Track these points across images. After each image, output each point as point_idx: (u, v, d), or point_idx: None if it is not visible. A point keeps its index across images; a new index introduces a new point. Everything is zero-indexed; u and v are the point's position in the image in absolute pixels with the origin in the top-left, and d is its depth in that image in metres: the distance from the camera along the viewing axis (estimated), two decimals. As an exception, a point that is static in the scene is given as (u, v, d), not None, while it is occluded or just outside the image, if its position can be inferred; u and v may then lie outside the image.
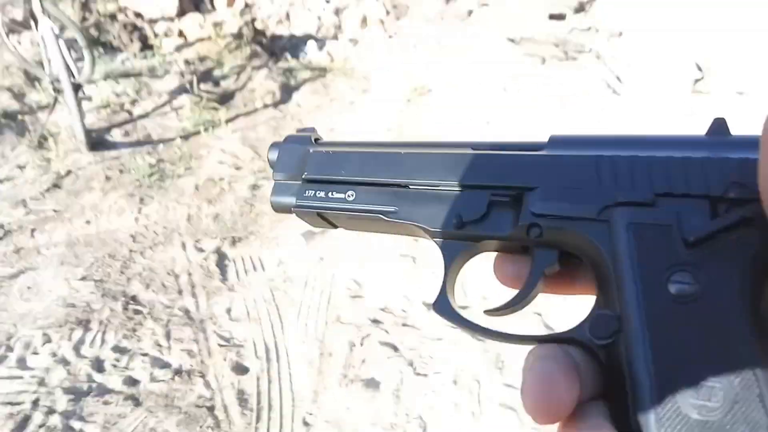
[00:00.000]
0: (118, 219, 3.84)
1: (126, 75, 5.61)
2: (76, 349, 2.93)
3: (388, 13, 6.32)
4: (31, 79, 5.30)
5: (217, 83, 5.54)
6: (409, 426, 2.42)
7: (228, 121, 4.87)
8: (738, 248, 0.41)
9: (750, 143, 0.44)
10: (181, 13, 6.38)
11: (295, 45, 6.29)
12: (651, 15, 4.63)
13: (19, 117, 4.93)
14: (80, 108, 4.42)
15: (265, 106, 5.10)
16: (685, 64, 4.21)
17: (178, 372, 2.79)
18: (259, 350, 2.85)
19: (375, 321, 2.86)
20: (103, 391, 2.73)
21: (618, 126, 3.82)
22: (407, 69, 5.12)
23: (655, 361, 0.40)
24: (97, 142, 4.63)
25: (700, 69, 4.20)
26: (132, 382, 2.77)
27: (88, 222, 3.83)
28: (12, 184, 4.25)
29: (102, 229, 3.77)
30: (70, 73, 4.33)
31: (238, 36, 6.12)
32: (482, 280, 2.65)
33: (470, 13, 5.93)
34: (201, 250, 3.53)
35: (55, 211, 3.98)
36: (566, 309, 2.58)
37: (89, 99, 5.13)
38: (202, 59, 5.89)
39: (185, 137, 4.72)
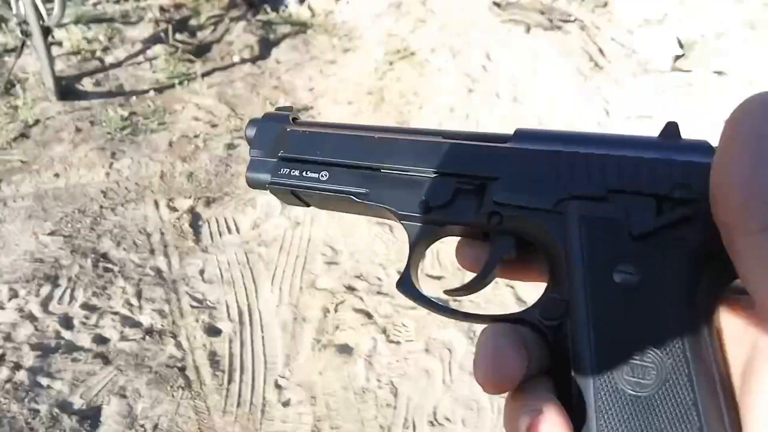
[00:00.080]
0: (88, 173, 3.74)
1: (98, 20, 5.38)
2: (44, 305, 2.89)
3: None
4: (-3, 20, 5.06)
5: (193, 34, 5.36)
6: (380, 392, 2.46)
7: (204, 75, 4.72)
8: (678, 244, 0.45)
9: (696, 147, 0.48)
10: (157, -43, 6.10)
11: (275, -3, 6.09)
12: (638, -12, 4.59)
13: (-16, 60, 4.72)
14: (49, 53, 4.23)
15: (243, 60, 4.96)
16: (667, 40, 4.21)
17: (149, 332, 2.78)
18: (232, 313, 2.84)
19: (350, 288, 2.87)
20: (72, 348, 2.71)
21: (598, 101, 3.82)
22: (391, 30, 5.02)
23: (596, 342, 0.44)
24: (66, 90, 4.46)
25: (681, 46, 4.21)
26: (101, 340, 2.75)
27: (56, 175, 3.73)
28: (-24, 131, 4.09)
29: (71, 183, 3.67)
30: (39, 15, 4.14)
31: (216, -16, 5.90)
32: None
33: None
34: (174, 209, 3.47)
35: (22, 161, 3.85)
36: (537, 284, 2.61)
37: (59, 44, 4.93)
38: (177, 6, 5.67)
39: (159, 90, 4.58)
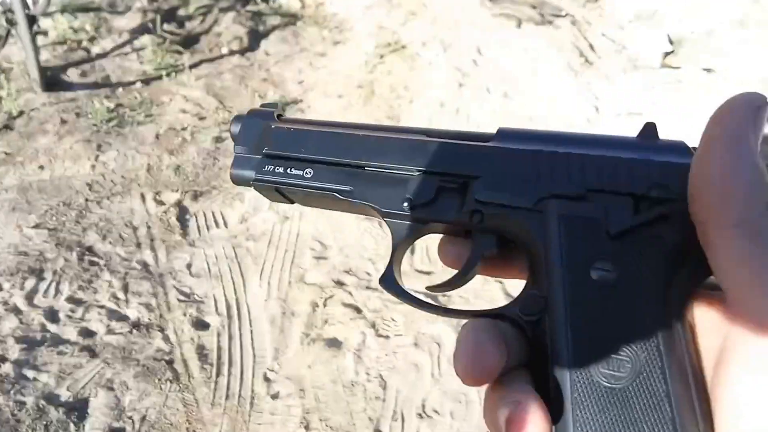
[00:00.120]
0: (73, 165, 3.70)
1: (84, 9, 5.30)
2: (29, 298, 2.86)
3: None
4: (-20, 9, 4.96)
5: (181, 24, 5.29)
6: (369, 385, 2.46)
7: (192, 66, 4.67)
8: (655, 242, 0.46)
9: (674, 148, 0.49)
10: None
11: (264, -11, 6.03)
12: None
13: (-33, 49, 4.63)
14: (35, 43, 4.16)
15: (232, 52, 4.91)
16: (658, 36, 4.23)
17: (135, 325, 2.76)
18: (220, 307, 2.83)
19: (339, 282, 2.86)
20: (58, 341, 2.68)
21: (588, 97, 3.83)
22: (382, 22, 4.99)
23: (573, 336, 0.46)
24: (52, 81, 4.40)
25: (671, 42, 4.22)
26: (88, 333, 2.72)
27: (41, 167, 3.68)
28: (-41, 122, 4.03)
29: (56, 175, 3.62)
30: (25, 4, 4.07)
31: (205, -25, 5.83)
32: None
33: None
34: (161, 202, 3.43)
35: (6, 153, 3.79)
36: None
37: (44, 33, 4.85)
38: (166, -4, 5.60)
39: (146, 82, 4.52)
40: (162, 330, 2.74)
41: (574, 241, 0.49)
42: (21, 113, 4.12)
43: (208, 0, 5.56)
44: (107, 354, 2.63)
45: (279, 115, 0.69)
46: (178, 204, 3.42)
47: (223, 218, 3.32)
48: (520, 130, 0.57)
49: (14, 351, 2.60)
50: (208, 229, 3.27)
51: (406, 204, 0.57)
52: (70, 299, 2.86)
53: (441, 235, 0.62)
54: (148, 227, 3.28)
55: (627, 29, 4.38)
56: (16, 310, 2.79)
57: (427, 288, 0.61)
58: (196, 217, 3.34)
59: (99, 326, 2.75)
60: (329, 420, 2.33)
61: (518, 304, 0.51)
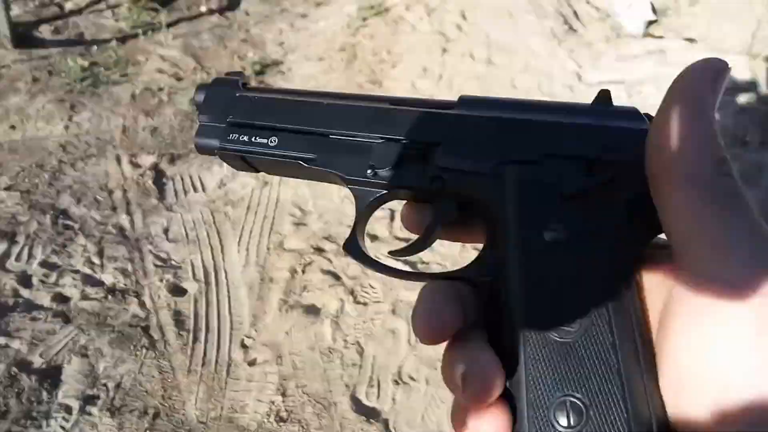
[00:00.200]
0: (46, 126, 3.60)
1: (55, -37, 5.09)
2: (1, 262, 2.80)
3: None
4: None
5: (158, -19, 5.11)
6: (347, 351, 2.47)
7: (169, 25, 4.53)
8: (605, 204, 0.49)
9: (626, 114, 0.51)
10: None
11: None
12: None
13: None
14: (3, -2, 4.01)
15: (210, 11, 4.77)
16: (641, 5, 4.18)
17: (111, 291, 2.73)
18: (198, 273, 2.80)
19: (318, 249, 2.84)
20: (31, 306, 2.65)
21: (570, 65, 3.80)
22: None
23: (527, 295, 0.48)
24: (23, 37, 4.24)
25: (654, 11, 4.18)
26: (62, 299, 2.69)
27: (12, 127, 3.57)
28: (-75, 79, 3.88)
29: (29, 136, 3.52)
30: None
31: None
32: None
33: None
34: (137, 165, 3.36)
35: (-25, 112, 3.68)
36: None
37: (14, -13, 4.66)
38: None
39: (122, 40, 4.38)
40: (138, 296, 2.71)
41: (528, 203, 0.50)
42: (-10, 71, 3.99)
43: (186, -45, 5.37)
44: (81, 320, 2.60)
45: (244, 84, 0.68)
46: (155, 167, 3.36)
47: (201, 182, 3.27)
48: (481, 97, 0.58)
49: (-14, 315, 2.57)
50: (185, 193, 3.22)
51: (369, 171, 0.58)
52: (44, 264, 2.81)
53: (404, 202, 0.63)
54: (124, 191, 3.22)
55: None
56: (-12, 274, 2.74)
57: (390, 253, 0.62)
58: (173, 180, 3.29)
59: (73, 291, 2.71)
60: (306, 387, 2.34)
61: (475, 266, 0.53)
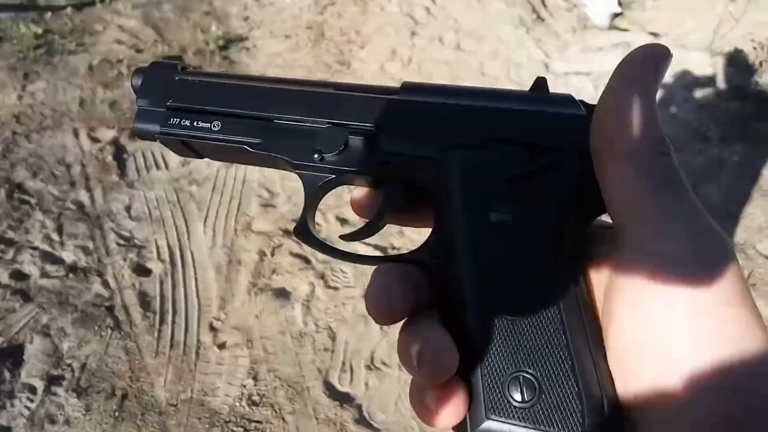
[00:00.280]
0: (-3, 94, 3.42)
1: None
2: (-48, 238, 2.67)
3: None
4: None
5: (114, -55, 4.88)
6: (318, 336, 2.47)
7: (128, -7, 4.35)
8: (547, 186, 0.51)
9: (562, 100, 0.54)
10: None
11: None
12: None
13: None
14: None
15: (171, -19, 4.60)
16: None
17: (72, 269, 2.64)
18: (163, 253, 2.74)
19: (287, 232, 2.82)
20: (-14, 285, 2.54)
21: (537, 54, 3.86)
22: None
23: (476, 275, 0.49)
24: (-32, -2, 4.00)
25: (620, 4, 4.28)
26: (20, 276, 2.60)
27: (-40, 94, 3.38)
28: None
29: (-22, 105, 3.34)
30: None
31: None
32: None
33: None
34: (96, 139, 3.24)
35: None
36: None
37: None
38: None
39: (77, 7, 4.18)
40: (101, 275, 2.64)
41: (474, 187, 0.52)
42: (-67, 33, 3.74)
43: None
44: (42, 298, 2.52)
45: (183, 68, 0.67)
46: (115, 142, 3.24)
47: (164, 159, 3.18)
48: (424, 84, 0.59)
49: (-63, 293, 2.45)
50: (147, 170, 3.13)
51: (316, 155, 0.59)
52: (0, 239, 2.69)
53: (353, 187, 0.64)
54: (83, 165, 3.10)
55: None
56: (-63, 250, 2.61)
57: (340, 237, 0.63)
58: (134, 156, 3.18)
59: (32, 269, 2.62)
60: (278, 371, 2.34)
61: (425, 248, 0.54)
